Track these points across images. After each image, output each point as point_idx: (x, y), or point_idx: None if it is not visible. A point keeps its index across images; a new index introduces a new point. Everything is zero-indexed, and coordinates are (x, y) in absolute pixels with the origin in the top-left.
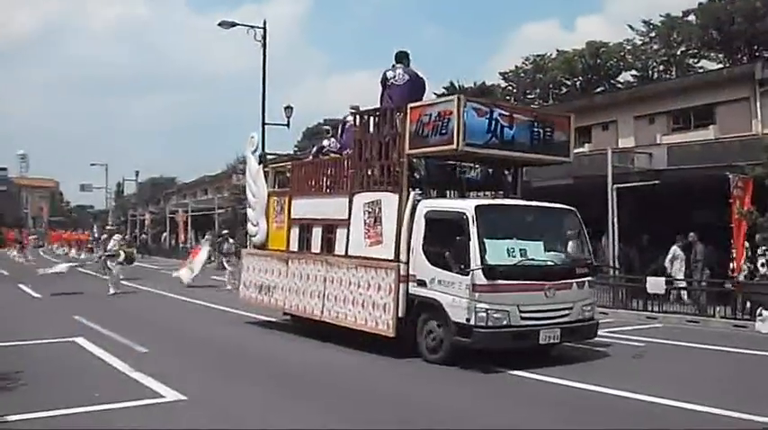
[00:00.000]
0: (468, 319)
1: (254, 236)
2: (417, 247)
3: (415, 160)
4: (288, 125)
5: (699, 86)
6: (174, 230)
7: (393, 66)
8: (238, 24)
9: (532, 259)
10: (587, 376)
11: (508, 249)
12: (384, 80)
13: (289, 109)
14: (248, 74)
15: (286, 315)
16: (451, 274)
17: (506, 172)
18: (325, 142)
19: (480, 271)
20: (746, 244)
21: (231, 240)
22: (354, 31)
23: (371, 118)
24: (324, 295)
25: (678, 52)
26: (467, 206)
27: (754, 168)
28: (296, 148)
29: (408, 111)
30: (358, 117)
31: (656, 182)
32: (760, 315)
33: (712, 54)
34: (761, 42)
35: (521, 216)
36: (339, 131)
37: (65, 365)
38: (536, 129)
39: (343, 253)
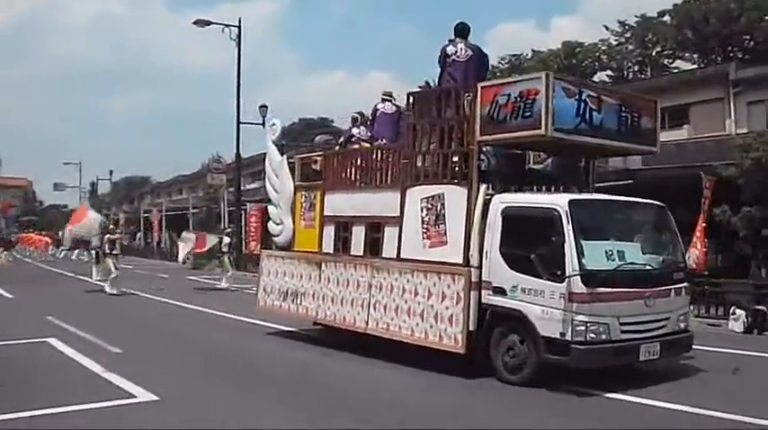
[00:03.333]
0: (562, 334)
1: (278, 236)
2: (493, 250)
3: (484, 148)
4: (263, 124)
5: (673, 87)
6: (149, 230)
7: (451, 40)
8: (213, 23)
9: (632, 263)
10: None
11: (606, 252)
12: (443, 57)
13: (264, 108)
14: (224, 72)
15: (317, 325)
16: (540, 281)
17: (579, 162)
18: (355, 130)
19: (578, 277)
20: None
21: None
22: (331, 31)
23: (429, 100)
24: (369, 304)
25: (653, 52)
26: (558, 201)
27: (727, 168)
28: None
29: (479, 90)
30: (411, 99)
31: (631, 181)
32: (733, 313)
33: (687, 54)
34: (735, 43)
35: (615, 213)
36: (371, 118)
37: (36, 366)
38: (623, 115)
39: (393, 255)
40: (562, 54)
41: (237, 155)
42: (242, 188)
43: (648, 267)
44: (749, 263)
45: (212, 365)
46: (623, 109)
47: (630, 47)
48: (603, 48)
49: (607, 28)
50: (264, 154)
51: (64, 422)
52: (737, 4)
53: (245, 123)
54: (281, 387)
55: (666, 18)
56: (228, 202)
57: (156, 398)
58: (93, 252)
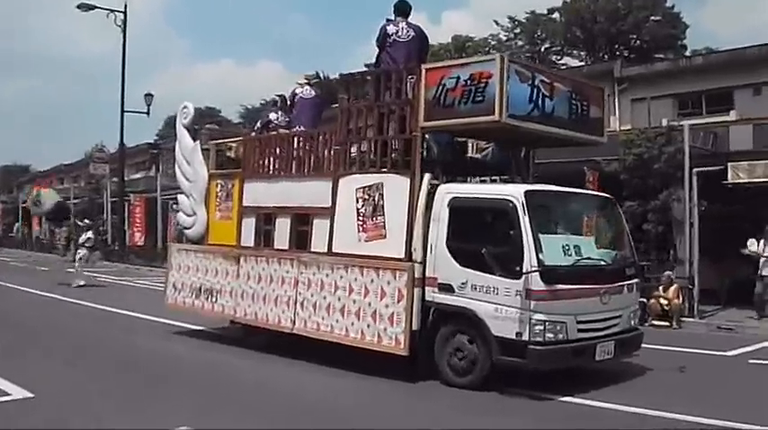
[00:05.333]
0: (518, 334)
1: (189, 228)
2: (438, 244)
3: (427, 135)
4: (148, 113)
5: None
6: (27, 221)
7: (390, 20)
8: (98, 8)
9: (588, 258)
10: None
11: (563, 246)
12: (383, 37)
13: (149, 96)
14: (109, 58)
15: (234, 324)
16: (493, 277)
17: (520, 152)
18: (272, 115)
19: (537, 273)
20: None
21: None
22: (219, 18)
23: (365, 83)
24: (296, 302)
25: (542, 49)
26: (514, 192)
27: (609, 163)
28: (156, 137)
29: (424, 73)
30: (345, 82)
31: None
32: None
33: (575, 51)
34: (621, 41)
35: (569, 205)
36: (289, 103)
37: None
38: (574, 102)
39: (324, 249)
40: (452, 48)
41: (121, 144)
42: (125, 178)
43: (603, 262)
44: None
45: (100, 362)
46: (574, 96)
47: (520, 42)
48: (493, 43)
49: (497, 23)
50: (149, 143)
51: None
52: (625, 3)
53: (129, 112)
54: (179, 387)
55: (556, 15)
56: (111, 193)
57: (30, 395)
58: None
